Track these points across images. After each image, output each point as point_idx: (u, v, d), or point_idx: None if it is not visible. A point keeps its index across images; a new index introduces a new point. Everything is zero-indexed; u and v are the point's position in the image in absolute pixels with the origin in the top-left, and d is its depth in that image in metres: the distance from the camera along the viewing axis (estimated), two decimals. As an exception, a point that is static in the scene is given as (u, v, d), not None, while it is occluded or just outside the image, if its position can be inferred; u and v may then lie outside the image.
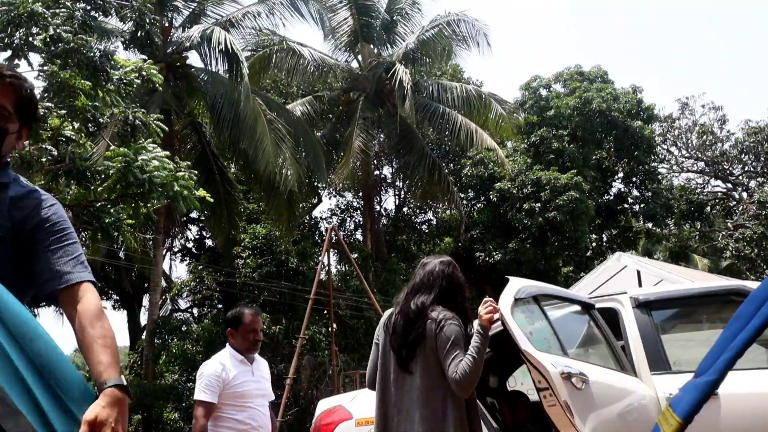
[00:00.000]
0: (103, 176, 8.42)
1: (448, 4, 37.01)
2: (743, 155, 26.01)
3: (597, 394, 3.73)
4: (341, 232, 21.48)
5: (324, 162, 18.42)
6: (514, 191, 21.20)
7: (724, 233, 23.74)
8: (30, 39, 8.33)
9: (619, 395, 3.92)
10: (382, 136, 21.86)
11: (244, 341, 4.14)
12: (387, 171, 25.11)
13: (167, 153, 8.75)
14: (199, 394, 3.96)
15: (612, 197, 25.13)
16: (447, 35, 19.71)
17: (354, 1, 19.76)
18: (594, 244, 24.14)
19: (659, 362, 4.14)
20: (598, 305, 4.44)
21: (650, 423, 3.44)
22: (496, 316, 3.32)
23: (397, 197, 25.62)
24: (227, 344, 4.23)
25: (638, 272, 8.09)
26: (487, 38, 19.79)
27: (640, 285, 7.77)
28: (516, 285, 3.94)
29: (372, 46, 20.42)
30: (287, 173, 16.23)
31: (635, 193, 25.11)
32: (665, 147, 27.01)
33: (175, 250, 24.37)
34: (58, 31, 8.17)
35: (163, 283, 20.34)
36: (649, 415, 3.79)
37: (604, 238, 25.06)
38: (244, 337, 4.14)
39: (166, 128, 9.47)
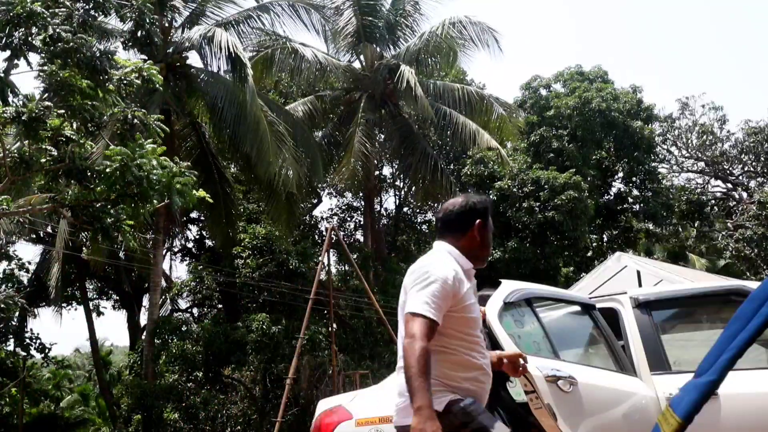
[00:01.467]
0: (102, 176, 8.40)
1: (451, 6, 37.01)
2: (743, 155, 26.02)
3: (588, 396, 3.73)
4: (341, 232, 21.47)
5: (322, 163, 18.41)
6: (515, 190, 21.19)
7: (724, 233, 23.73)
8: (29, 39, 8.32)
9: (617, 396, 3.91)
10: (383, 136, 21.85)
11: (484, 246, 2.84)
12: (387, 171, 25.13)
13: (163, 148, 8.72)
14: (421, 306, 2.50)
15: (612, 197, 25.13)
16: (453, 36, 19.64)
17: (357, 1, 19.76)
18: (594, 244, 24.13)
19: (659, 362, 4.13)
20: (598, 305, 4.43)
21: (650, 423, 3.44)
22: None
23: (397, 197, 25.62)
24: (446, 244, 2.80)
25: (638, 272, 8.09)
26: (498, 43, 19.62)
27: (640, 285, 7.77)
28: (507, 289, 3.95)
29: (375, 46, 20.39)
30: (287, 173, 16.22)
31: (635, 192, 25.12)
32: (665, 147, 27.02)
33: (175, 250, 24.37)
34: (57, 30, 8.16)
35: (163, 283, 20.34)
36: (649, 415, 3.79)
37: (605, 238, 25.05)
38: (487, 240, 2.85)
39: (167, 129, 9.47)
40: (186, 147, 17.41)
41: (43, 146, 8.40)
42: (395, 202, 25.78)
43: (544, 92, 25.09)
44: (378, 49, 20.51)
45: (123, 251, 19.72)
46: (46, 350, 21.30)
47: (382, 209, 25.34)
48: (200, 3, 16.90)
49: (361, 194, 23.31)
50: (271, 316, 17.08)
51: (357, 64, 21.03)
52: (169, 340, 17.32)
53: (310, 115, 19.84)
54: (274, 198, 16.90)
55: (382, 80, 19.58)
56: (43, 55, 8.47)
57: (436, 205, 24.02)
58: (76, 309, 23.49)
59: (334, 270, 18.71)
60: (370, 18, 20.02)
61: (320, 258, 14.47)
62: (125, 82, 8.66)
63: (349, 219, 25.47)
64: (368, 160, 20.05)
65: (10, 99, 8.65)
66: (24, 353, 20.95)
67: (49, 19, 8.26)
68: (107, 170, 8.18)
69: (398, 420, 2.63)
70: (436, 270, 2.61)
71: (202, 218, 22.12)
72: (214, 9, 17.27)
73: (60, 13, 8.48)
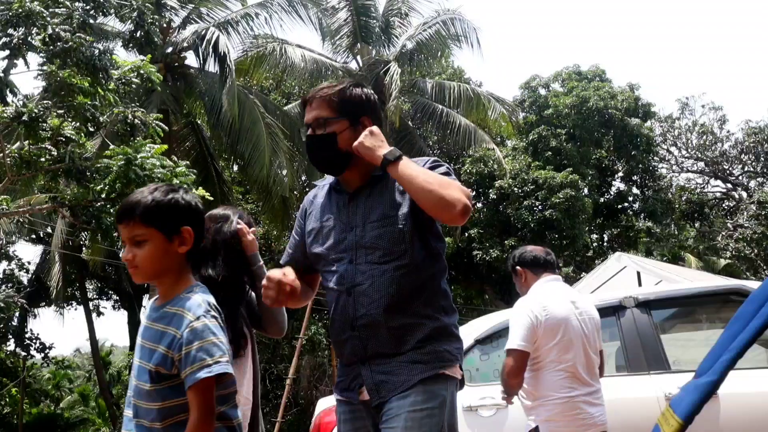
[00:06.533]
0: (102, 175, 8.40)
1: (444, 2, 36.96)
2: (743, 155, 26.00)
3: None
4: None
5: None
6: (515, 189, 21.18)
7: (724, 233, 23.73)
8: (29, 38, 8.32)
9: (618, 396, 3.91)
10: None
11: None
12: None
13: (164, 146, 8.72)
14: None
15: (612, 196, 25.12)
16: (444, 35, 19.62)
17: (353, 1, 19.74)
18: (595, 244, 24.12)
19: (659, 362, 4.13)
20: (597, 305, 4.44)
21: (650, 423, 3.43)
22: None
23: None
24: None
25: (638, 272, 8.08)
26: (477, 36, 19.66)
27: (640, 285, 7.76)
28: (482, 326, 4.36)
29: (371, 47, 20.37)
30: (283, 175, 16.23)
31: (635, 191, 25.11)
32: (665, 147, 27.02)
33: (175, 250, 24.37)
34: (56, 30, 8.16)
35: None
36: (649, 415, 3.79)
37: (605, 238, 25.05)
38: None
39: (166, 128, 9.47)
40: (185, 147, 17.41)
41: (43, 146, 8.40)
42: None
43: (543, 92, 25.10)
44: (374, 49, 20.46)
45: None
46: (46, 350, 21.32)
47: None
48: (198, 3, 16.89)
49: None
50: (271, 316, 17.06)
51: (354, 65, 21.02)
52: (169, 340, 17.31)
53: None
54: (270, 199, 16.90)
55: (377, 80, 19.52)
56: (43, 54, 8.47)
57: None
58: (76, 309, 23.52)
59: (333, 270, 18.66)
60: (366, 18, 20.01)
61: (320, 258, 14.47)
62: (124, 81, 8.67)
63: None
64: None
65: (10, 99, 8.65)
66: (24, 353, 20.97)
67: (48, 18, 8.26)
68: (110, 168, 8.19)
69: None
70: None
71: (202, 218, 22.08)
72: (212, 9, 17.26)
73: (59, 13, 8.48)
